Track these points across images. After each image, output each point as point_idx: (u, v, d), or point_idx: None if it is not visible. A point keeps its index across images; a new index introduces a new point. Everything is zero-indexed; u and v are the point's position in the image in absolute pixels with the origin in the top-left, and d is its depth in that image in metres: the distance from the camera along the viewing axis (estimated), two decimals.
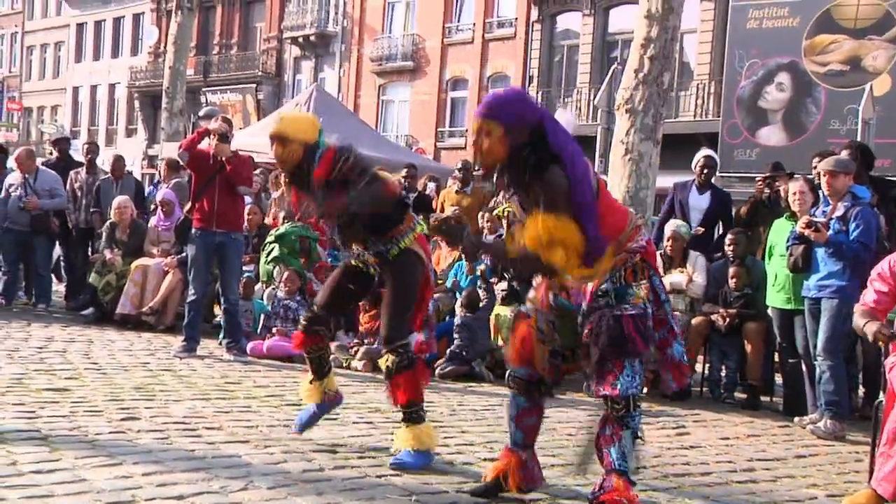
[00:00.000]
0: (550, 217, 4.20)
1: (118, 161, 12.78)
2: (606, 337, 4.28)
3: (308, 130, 5.48)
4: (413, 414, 5.23)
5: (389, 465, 5.05)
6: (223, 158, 8.57)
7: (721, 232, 9.80)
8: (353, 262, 5.68)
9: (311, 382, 5.64)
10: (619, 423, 4.32)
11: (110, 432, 5.18)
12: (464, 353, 8.78)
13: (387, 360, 5.28)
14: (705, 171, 9.76)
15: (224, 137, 8.60)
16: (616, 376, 4.28)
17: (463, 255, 4.39)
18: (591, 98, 26.97)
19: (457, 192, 11.52)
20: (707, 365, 8.79)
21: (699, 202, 9.65)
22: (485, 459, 5.38)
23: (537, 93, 30.47)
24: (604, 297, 4.35)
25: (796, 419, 7.62)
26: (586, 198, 4.32)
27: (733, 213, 9.97)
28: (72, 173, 12.38)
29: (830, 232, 7.31)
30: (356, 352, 8.85)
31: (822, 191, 7.65)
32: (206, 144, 8.84)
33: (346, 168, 5.31)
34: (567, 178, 4.26)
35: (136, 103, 43.16)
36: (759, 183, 9.91)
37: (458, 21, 33.36)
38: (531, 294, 4.75)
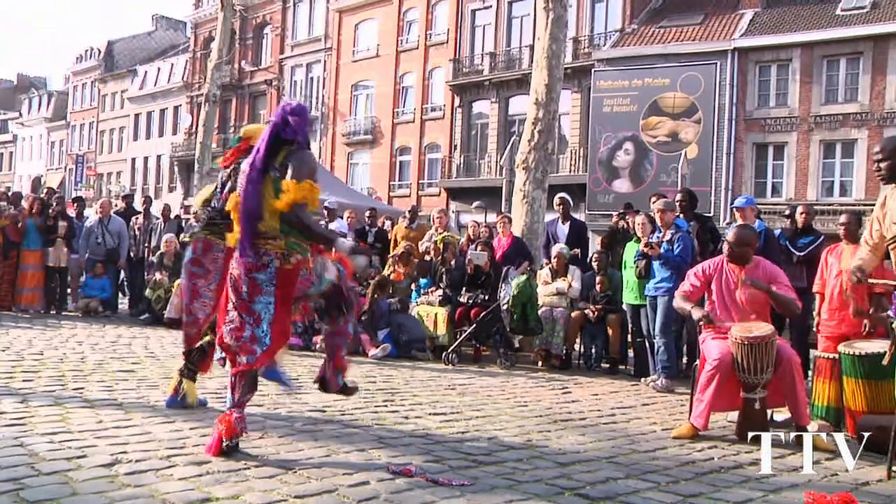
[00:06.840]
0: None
1: (166, 209, 12.89)
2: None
3: None
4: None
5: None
6: None
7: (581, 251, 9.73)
8: None
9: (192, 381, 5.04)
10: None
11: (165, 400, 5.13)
12: (401, 342, 8.74)
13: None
14: (560, 206, 9.82)
15: None
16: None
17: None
18: (498, 160, 27.26)
19: (406, 227, 11.56)
20: (582, 345, 8.85)
21: (563, 231, 9.70)
22: (430, 413, 5.41)
23: (460, 156, 30.66)
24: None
25: (642, 380, 7.72)
26: None
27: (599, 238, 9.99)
28: (133, 218, 12.43)
29: (662, 250, 7.51)
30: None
31: (657, 222, 7.85)
32: None
33: None
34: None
35: (176, 168, 42.82)
36: (615, 218, 10.09)
37: (404, 107, 33.41)
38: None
